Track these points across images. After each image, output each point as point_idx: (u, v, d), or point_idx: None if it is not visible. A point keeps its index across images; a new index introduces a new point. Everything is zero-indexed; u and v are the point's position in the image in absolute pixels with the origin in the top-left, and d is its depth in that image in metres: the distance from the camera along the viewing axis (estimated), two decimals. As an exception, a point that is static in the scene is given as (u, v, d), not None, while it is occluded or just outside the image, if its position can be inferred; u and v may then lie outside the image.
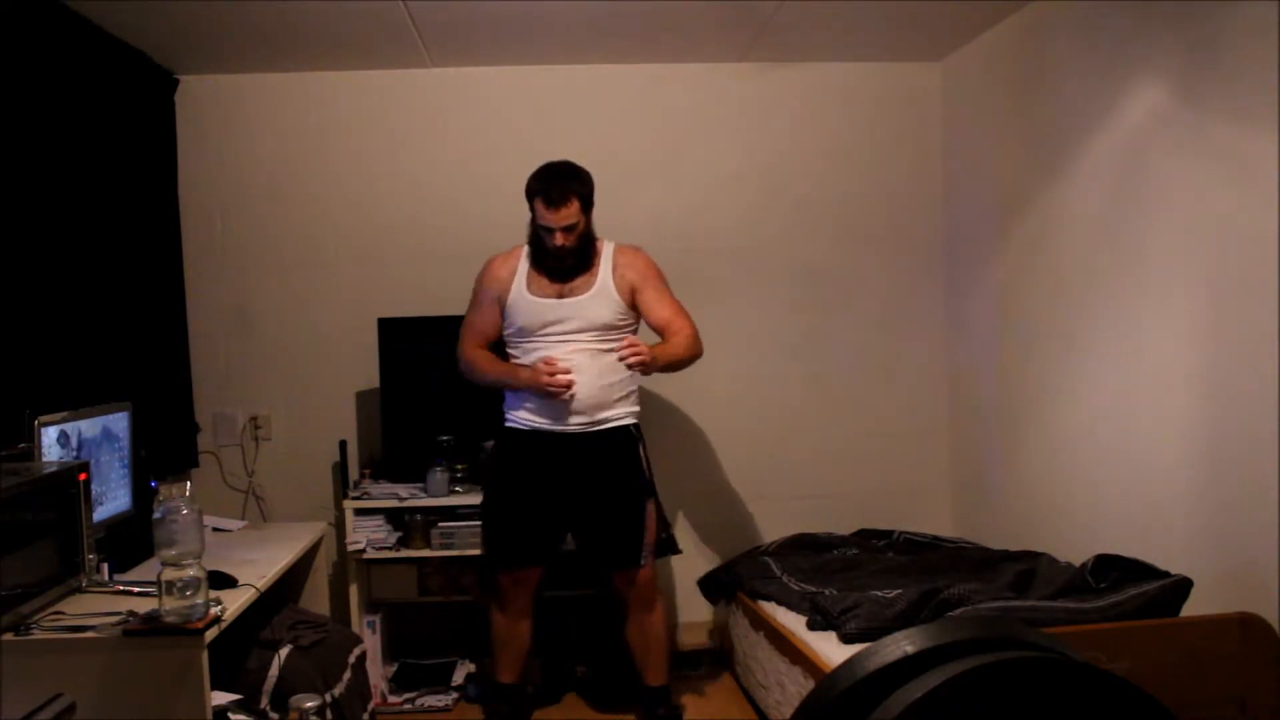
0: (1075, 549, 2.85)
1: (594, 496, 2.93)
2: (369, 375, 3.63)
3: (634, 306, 2.96)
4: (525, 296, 2.91)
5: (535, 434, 2.92)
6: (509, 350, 3.01)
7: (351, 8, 3.05)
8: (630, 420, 2.97)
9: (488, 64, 3.70)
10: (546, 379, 2.81)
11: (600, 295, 2.90)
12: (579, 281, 2.91)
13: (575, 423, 2.88)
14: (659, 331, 2.98)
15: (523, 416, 2.94)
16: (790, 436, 3.87)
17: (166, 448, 3.40)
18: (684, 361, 2.93)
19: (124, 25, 3.13)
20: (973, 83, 3.65)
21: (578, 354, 2.86)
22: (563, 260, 2.88)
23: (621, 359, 2.75)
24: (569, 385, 2.81)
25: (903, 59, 3.81)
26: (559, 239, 2.84)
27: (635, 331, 2.98)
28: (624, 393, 2.93)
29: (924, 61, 3.84)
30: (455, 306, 3.48)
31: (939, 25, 3.44)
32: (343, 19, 3.16)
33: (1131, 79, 2.71)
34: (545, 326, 2.89)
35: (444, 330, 3.26)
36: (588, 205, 2.88)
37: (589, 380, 2.86)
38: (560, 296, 2.89)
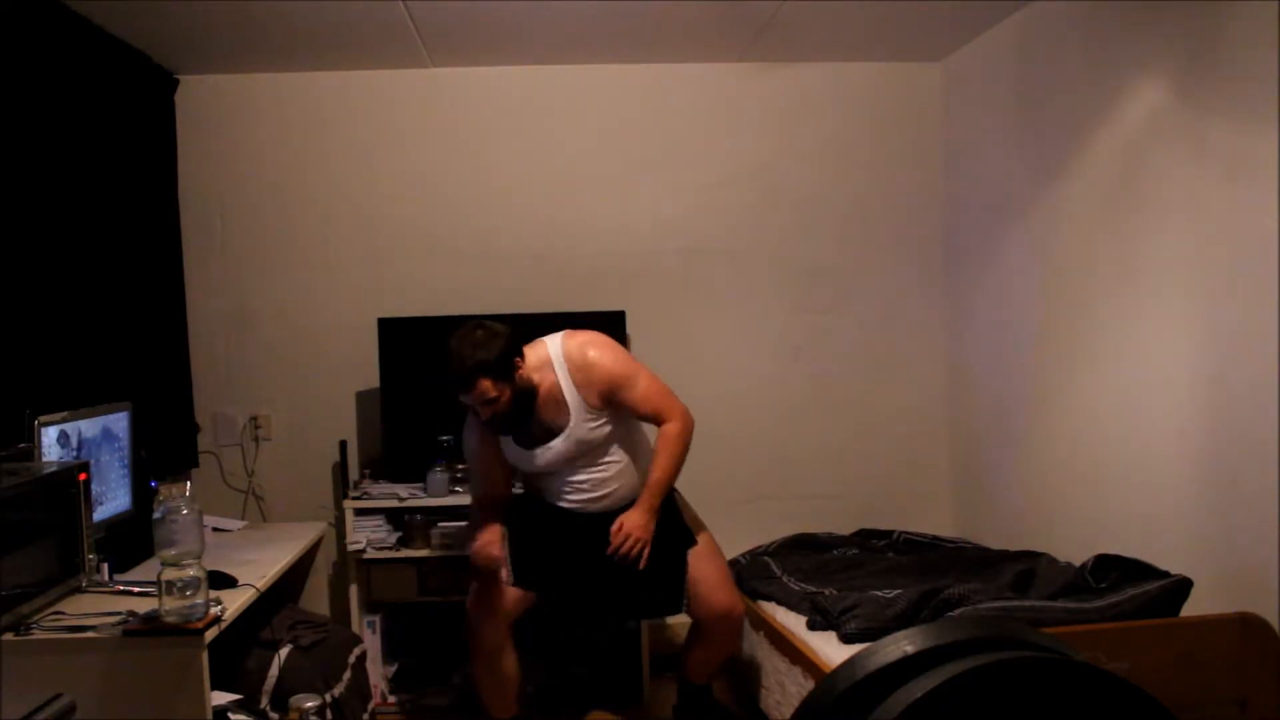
0: (1075, 549, 2.86)
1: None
2: (369, 375, 3.63)
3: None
4: (514, 448, 2.79)
5: (560, 509, 2.84)
6: (527, 486, 2.93)
7: (351, 8, 3.05)
8: None
9: (488, 64, 3.70)
10: (482, 556, 2.69)
11: (579, 423, 2.72)
12: (550, 419, 2.73)
13: (609, 507, 2.80)
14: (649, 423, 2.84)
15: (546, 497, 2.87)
16: (790, 436, 3.87)
17: (166, 448, 3.40)
18: (679, 468, 2.78)
19: (124, 25, 3.13)
20: (973, 83, 3.65)
21: (597, 476, 2.79)
22: (500, 426, 2.72)
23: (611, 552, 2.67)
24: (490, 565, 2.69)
25: (903, 59, 3.81)
26: (483, 413, 2.67)
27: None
28: (649, 462, 2.83)
29: (924, 61, 3.84)
30: (456, 307, 3.49)
31: (939, 25, 3.44)
32: (343, 19, 3.16)
33: (1131, 79, 2.71)
34: (547, 469, 2.79)
35: (444, 330, 3.22)
36: (501, 373, 2.61)
37: (621, 488, 2.81)
38: (546, 439, 2.75)
